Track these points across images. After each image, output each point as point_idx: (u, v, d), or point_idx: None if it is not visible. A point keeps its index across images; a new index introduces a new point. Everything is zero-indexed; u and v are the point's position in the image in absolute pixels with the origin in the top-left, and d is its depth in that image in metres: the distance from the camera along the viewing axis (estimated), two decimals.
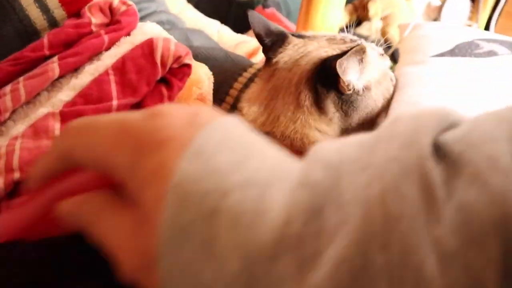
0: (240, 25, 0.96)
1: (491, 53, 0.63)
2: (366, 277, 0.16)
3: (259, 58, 0.84)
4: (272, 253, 0.18)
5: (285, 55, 0.50)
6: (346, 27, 0.91)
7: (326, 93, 0.46)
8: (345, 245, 0.17)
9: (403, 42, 0.76)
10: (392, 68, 1.00)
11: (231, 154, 0.21)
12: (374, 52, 0.51)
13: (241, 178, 0.20)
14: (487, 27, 1.32)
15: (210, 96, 0.55)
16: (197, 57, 0.57)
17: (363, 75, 0.48)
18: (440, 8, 1.15)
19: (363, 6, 1.11)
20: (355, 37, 0.56)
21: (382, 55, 0.53)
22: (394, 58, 0.90)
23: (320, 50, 0.48)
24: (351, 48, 0.44)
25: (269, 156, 0.22)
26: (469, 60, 0.62)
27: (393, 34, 1.04)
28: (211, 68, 0.56)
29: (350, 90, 0.46)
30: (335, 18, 0.86)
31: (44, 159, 0.27)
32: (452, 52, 0.63)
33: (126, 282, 0.23)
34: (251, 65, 0.67)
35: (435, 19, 1.17)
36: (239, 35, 0.93)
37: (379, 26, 1.08)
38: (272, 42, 0.52)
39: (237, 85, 0.64)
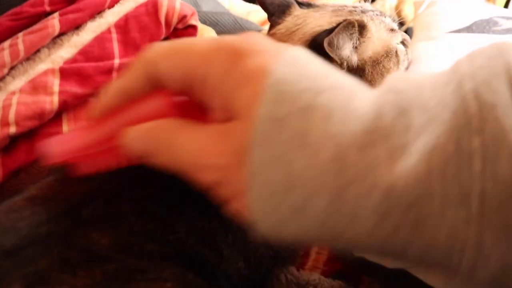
0: None
1: (510, 31, 0.61)
2: (459, 160, 0.18)
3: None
4: (363, 142, 0.19)
5: (283, 27, 0.48)
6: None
7: None
8: (436, 136, 0.18)
9: (417, 19, 0.74)
10: None
11: (319, 66, 0.22)
12: (380, 26, 0.48)
13: (332, 82, 0.21)
14: (506, 5, 1.29)
15: None
16: (205, 23, 0.55)
17: (360, 51, 0.45)
18: None
19: None
20: (368, 7, 0.53)
21: (393, 30, 0.49)
22: (409, 36, 0.87)
23: (317, 23, 0.46)
24: (339, 24, 0.41)
25: (344, 75, 0.23)
26: (486, 36, 0.59)
27: (408, 12, 1.02)
28: (218, 34, 0.54)
29: (344, 67, 0.43)
30: None
31: (122, 76, 0.26)
32: (469, 29, 0.61)
33: (204, 193, 0.24)
34: (260, 31, 0.65)
35: None
36: (251, 4, 0.91)
37: (393, 3, 1.05)
38: (275, 10, 0.49)
39: None
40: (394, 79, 0.22)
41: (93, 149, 0.27)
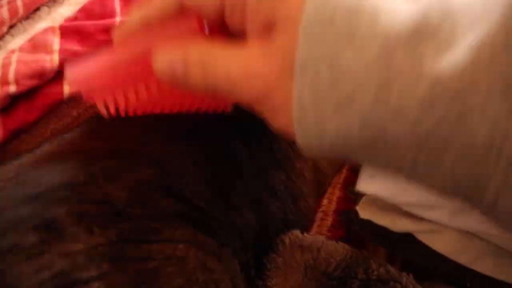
0: None
1: None
2: (507, 53, 0.17)
3: None
4: (410, 40, 0.19)
5: None
6: None
7: None
8: (485, 33, 0.18)
9: None
10: None
11: None
12: None
13: (369, 14, 0.20)
14: None
15: None
16: None
17: None
18: None
19: None
20: None
21: None
22: None
23: None
24: None
25: None
26: None
27: None
28: None
29: None
30: None
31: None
32: None
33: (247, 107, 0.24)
34: None
35: None
36: None
37: None
38: None
39: None
40: None
41: (120, 74, 0.26)
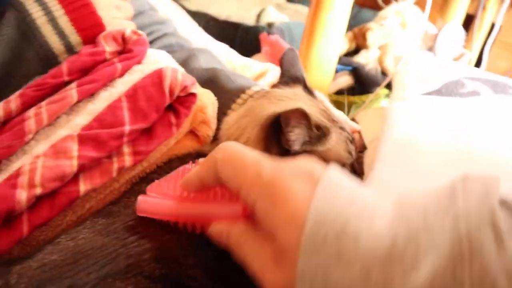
0: (246, 49, 1.02)
1: (474, 93, 0.68)
2: (453, 285, 0.25)
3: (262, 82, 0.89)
4: (384, 262, 0.26)
5: (277, 93, 0.56)
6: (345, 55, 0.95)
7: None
8: (439, 262, 0.25)
9: (396, 75, 0.82)
10: (388, 95, 1.05)
11: (345, 195, 0.30)
12: (341, 136, 0.54)
13: (356, 210, 0.29)
14: (480, 56, 1.38)
15: (214, 120, 0.60)
16: (199, 79, 0.60)
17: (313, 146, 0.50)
18: (436, 37, 1.20)
19: (362, 35, 1.16)
20: (346, 122, 0.63)
21: (351, 141, 0.55)
22: (390, 86, 0.95)
23: (296, 105, 0.50)
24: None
25: (366, 194, 0.31)
26: (454, 100, 0.67)
27: (389, 64, 1.10)
28: (212, 90, 0.61)
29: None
30: (336, 47, 0.91)
31: (199, 168, 0.38)
32: (439, 92, 0.68)
33: None
34: (249, 87, 0.71)
35: (431, 47, 1.23)
36: (245, 58, 0.98)
37: (376, 55, 1.13)
38: (284, 78, 0.58)
39: (235, 106, 0.69)
40: (404, 204, 0.30)
41: (178, 219, 0.40)
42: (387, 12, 1.19)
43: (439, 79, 0.72)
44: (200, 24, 1.12)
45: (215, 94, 0.59)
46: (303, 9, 1.73)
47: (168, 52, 0.64)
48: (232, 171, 0.35)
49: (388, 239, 0.27)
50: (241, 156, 0.35)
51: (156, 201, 0.41)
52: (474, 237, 0.25)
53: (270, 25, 1.21)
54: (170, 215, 0.41)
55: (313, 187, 0.31)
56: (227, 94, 0.66)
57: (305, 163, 0.34)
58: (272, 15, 1.37)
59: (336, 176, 0.32)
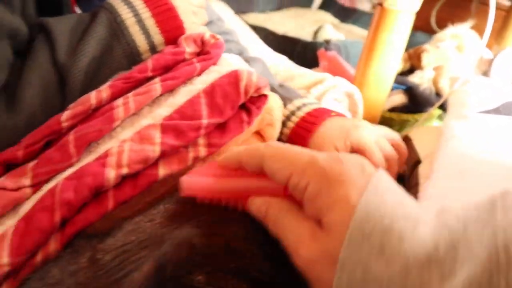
0: (303, 63, 1.06)
1: None
2: None
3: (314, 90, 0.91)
4: (423, 265, 0.28)
5: None
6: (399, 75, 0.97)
7: None
8: (476, 271, 0.26)
9: (452, 95, 0.83)
10: (441, 117, 1.07)
11: (393, 196, 0.32)
12: None
13: (404, 212, 0.31)
14: None
15: (279, 123, 0.64)
16: None
17: None
18: (491, 61, 1.21)
19: (417, 56, 1.18)
20: None
21: None
22: (444, 108, 0.96)
23: None
24: None
25: (411, 201, 0.33)
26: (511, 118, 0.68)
27: (444, 85, 1.11)
28: None
29: None
30: (393, 67, 0.93)
31: (242, 152, 0.40)
32: (497, 110, 0.70)
33: (299, 269, 0.34)
34: (291, 100, 0.75)
35: (486, 72, 1.23)
36: (303, 68, 1.01)
37: (431, 75, 1.15)
38: None
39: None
40: (447, 214, 0.31)
41: (221, 195, 0.41)
42: (444, 34, 1.20)
43: (497, 99, 0.74)
44: (260, 38, 1.17)
45: None
46: (356, 30, 1.77)
47: None
48: (281, 164, 0.37)
49: (429, 245, 0.28)
50: (293, 150, 0.37)
51: (199, 179, 0.43)
52: (511, 248, 0.26)
53: (327, 41, 1.24)
54: (213, 191, 0.42)
55: (365, 178, 0.33)
56: None
57: (357, 157, 0.36)
58: (330, 33, 1.41)
59: (386, 178, 0.34)
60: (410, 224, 0.30)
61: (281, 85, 0.81)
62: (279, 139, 0.72)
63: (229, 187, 0.41)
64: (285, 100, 0.74)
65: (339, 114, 0.74)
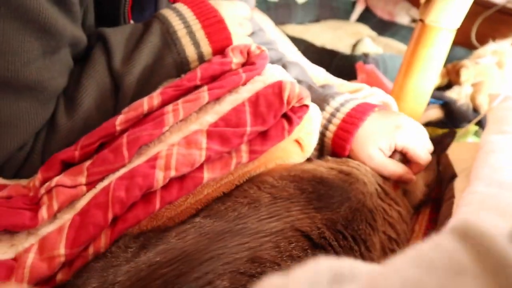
0: (341, 76, 1.07)
1: None
2: None
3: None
4: None
5: None
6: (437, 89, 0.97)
7: None
8: None
9: (492, 111, 0.84)
10: (478, 133, 1.06)
11: None
12: None
13: None
14: None
15: (317, 132, 0.66)
16: None
17: None
18: None
19: (456, 71, 1.18)
20: None
21: None
22: (481, 124, 0.96)
23: None
24: None
25: None
26: None
27: (482, 101, 1.11)
28: None
29: None
30: (431, 82, 0.94)
31: None
32: None
33: None
34: (333, 97, 0.76)
35: None
36: (341, 79, 1.03)
37: (469, 91, 1.15)
38: None
39: (321, 121, 0.74)
40: None
41: None
42: (484, 50, 1.20)
43: None
44: (299, 49, 1.20)
45: None
46: (393, 43, 1.77)
47: None
48: None
49: None
50: None
51: None
52: None
53: (366, 55, 1.26)
54: None
55: None
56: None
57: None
58: (368, 46, 1.43)
59: None
60: None
61: (322, 86, 0.83)
62: (323, 138, 0.74)
63: None
64: (328, 98, 0.76)
65: (382, 107, 0.75)
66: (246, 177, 0.60)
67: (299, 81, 0.82)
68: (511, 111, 0.76)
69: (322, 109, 0.74)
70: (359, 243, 0.53)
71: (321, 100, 0.75)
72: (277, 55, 0.93)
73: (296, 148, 0.66)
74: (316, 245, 0.50)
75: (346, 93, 0.79)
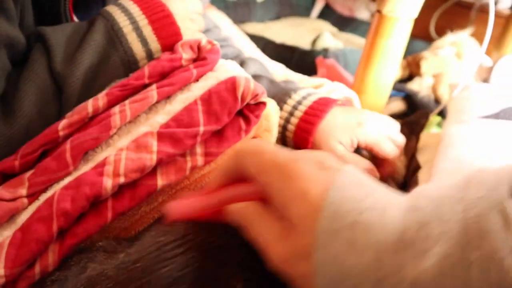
0: (301, 71, 1.05)
1: None
2: (463, 266, 0.25)
3: None
4: (395, 249, 0.28)
5: None
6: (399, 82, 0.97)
7: None
8: (448, 246, 0.26)
9: (452, 101, 0.83)
10: (440, 123, 1.06)
11: (360, 189, 0.32)
12: None
13: (370, 203, 0.30)
14: None
15: (276, 128, 0.64)
16: None
17: None
18: (491, 69, 1.21)
19: (416, 63, 1.18)
20: None
21: None
22: (443, 114, 0.96)
23: None
24: None
25: (381, 189, 0.32)
26: (510, 122, 0.68)
27: (443, 92, 1.11)
28: None
29: None
30: (392, 73, 0.93)
31: (223, 167, 0.41)
32: (497, 116, 0.69)
33: (274, 272, 0.34)
34: (295, 90, 0.74)
35: (486, 79, 1.23)
36: (301, 75, 1.01)
37: (430, 83, 1.14)
38: None
39: (283, 114, 0.73)
40: (419, 195, 0.31)
41: (205, 212, 0.41)
42: (443, 42, 1.20)
43: (497, 104, 0.73)
44: (258, 46, 1.17)
45: None
46: (354, 38, 1.77)
47: None
48: (253, 161, 0.37)
49: (399, 228, 0.28)
50: (262, 148, 0.37)
51: (184, 202, 0.42)
52: (482, 222, 0.26)
53: (326, 49, 1.24)
54: (198, 210, 0.42)
55: (325, 173, 0.33)
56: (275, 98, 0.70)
57: (318, 154, 0.36)
58: (328, 41, 1.41)
59: (353, 172, 0.34)
60: (377, 212, 0.30)
61: (283, 82, 0.81)
62: (285, 131, 0.72)
63: (211, 202, 0.41)
64: (290, 91, 0.74)
65: (344, 102, 0.74)
66: (204, 181, 0.57)
67: (259, 76, 0.80)
68: (469, 100, 0.76)
69: (284, 102, 0.73)
70: None
71: (283, 94, 0.73)
72: (234, 52, 0.91)
73: None
74: None
75: (309, 87, 0.78)
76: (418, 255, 0.27)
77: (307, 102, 0.73)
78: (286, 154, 0.36)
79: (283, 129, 0.72)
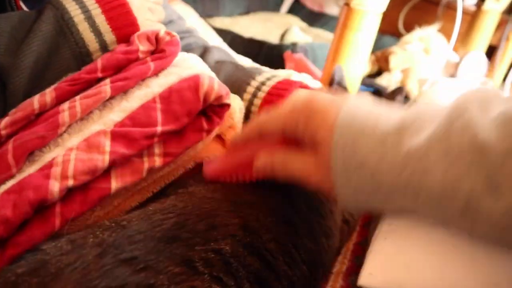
0: (270, 66, 1.02)
1: None
2: (445, 136, 0.33)
3: None
4: (396, 131, 0.37)
5: None
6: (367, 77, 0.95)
7: None
8: (437, 125, 0.35)
9: (421, 96, 0.82)
10: None
11: (365, 110, 0.40)
12: None
13: (373, 119, 0.39)
14: (504, 79, 1.37)
15: (240, 125, 0.60)
16: (214, 70, 0.63)
17: None
18: (458, 65, 1.21)
19: (385, 58, 1.16)
20: None
21: None
22: None
23: None
24: None
25: (381, 107, 0.41)
26: None
27: (412, 87, 1.10)
28: (222, 80, 0.61)
29: None
30: (360, 67, 0.91)
31: (247, 127, 0.50)
32: None
33: (313, 188, 0.45)
34: (260, 72, 0.74)
35: (453, 75, 1.23)
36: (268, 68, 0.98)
37: (398, 78, 1.13)
38: None
39: (246, 96, 0.70)
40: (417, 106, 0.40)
41: (236, 168, 0.49)
42: (411, 37, 1.19)
43: None
44: (225, 41, 1.13)
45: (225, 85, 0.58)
46: (324, 34, 1.75)
47: (187, 51, 0.64)
48: (276, 119, 0.46)
49: (399, 119, 0.37)
50: (276, 111, 0.47)
51: (213, 162, 0.52)
52: (463, 106, 0.34)
53: (294, 44, 1.22)
54: (224, 169, 0.50)
55: (336, 105, 0.41)
56: (236, 83, 0.71)
57: (327, 95, 0.44)
58: (297, 36, 1.39)
59: (357, 100, 0.42)
60: (384, 115, 0.39)
61: (237, 67, 0.78)
62: (249, 113, 0.71)
63: (236, 161, 0.49)
64: (254, 73, 0.73)
65: (304, 86, 0.72)
66: (162, 182, 0.53)
67: (223, 62, 0.77)
68: (437, 93, 0.75)
69: (247, 84, 0.71)
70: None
71: (247, 76, 0.72)
72: (198, 42, 0.87)
73: (217, 144, 0.59)
74: None
75: (273, 70, 0.76)
76: (412, 133, 0.35)
77: (271, 83, 0.71)
78: (305, 94, 0.45)
79: (247, 110, 0.70)
